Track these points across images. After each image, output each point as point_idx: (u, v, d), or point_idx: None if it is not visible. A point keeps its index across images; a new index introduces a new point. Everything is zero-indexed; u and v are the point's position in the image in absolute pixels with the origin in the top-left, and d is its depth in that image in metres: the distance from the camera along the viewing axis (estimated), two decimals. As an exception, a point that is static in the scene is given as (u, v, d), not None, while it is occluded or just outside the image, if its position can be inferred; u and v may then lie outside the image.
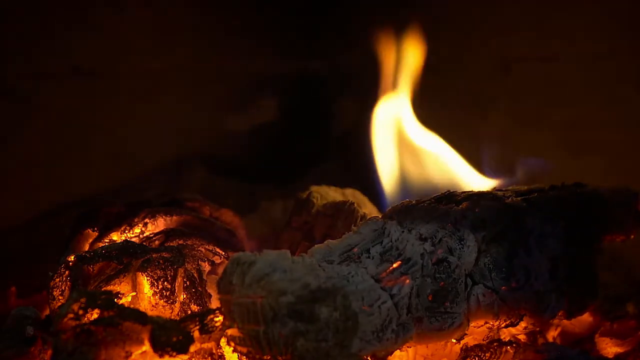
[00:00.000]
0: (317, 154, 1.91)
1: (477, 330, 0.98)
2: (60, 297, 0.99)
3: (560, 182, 1.04)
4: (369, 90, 1.86)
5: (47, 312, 1.04)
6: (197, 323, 0.86)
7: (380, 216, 0.98)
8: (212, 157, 1.82)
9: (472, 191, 1.00)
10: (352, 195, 1.29)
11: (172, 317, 0.97)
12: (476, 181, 1.21)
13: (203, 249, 1.07)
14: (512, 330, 0.99)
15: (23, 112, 1.53)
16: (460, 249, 0.92)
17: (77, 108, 1.59)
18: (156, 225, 1.10)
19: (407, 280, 0.87)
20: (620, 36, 1.47)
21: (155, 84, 1.69)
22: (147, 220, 1.10)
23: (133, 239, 1.07)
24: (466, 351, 0.97)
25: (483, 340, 0.98)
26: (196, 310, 0.99)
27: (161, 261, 0.99)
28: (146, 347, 0.83)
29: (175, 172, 1.75)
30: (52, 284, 1.00)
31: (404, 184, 1.23)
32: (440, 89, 1.34)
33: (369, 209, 1.25)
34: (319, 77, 1.90)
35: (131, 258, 0.99)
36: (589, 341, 1.10)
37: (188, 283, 1.01)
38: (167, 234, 1.09)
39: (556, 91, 1.58)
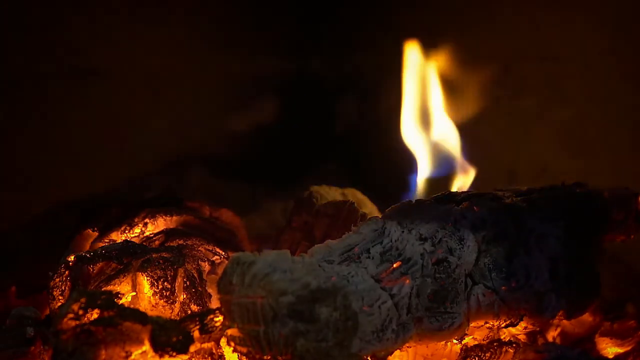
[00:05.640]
0: (317, 154, 1.91)
1: (477, 330, 0.98)
2: (60, 297, 0.99)
3: (560, 182, 1.04)
4: (369, 90, 1.87)
5: (47, 312, 1.04)
6: (197, 323, 0.86)
7: (380, 216, 0.98)
8: (212, 157, 1.82)
9: (472, 191, 1.01)
10: (352, 195, 1.29)
11: (172, 317, 0.97)
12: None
13: (203, 249, 1.07)
14: (512, 330, 0.99)
15: (23, 112, 1.52)
16: (460, 249, 0.92)
17: (77, 108, 1.59)
18: (156, 225, 1.10)
19: (407, 281, 0.87)
20: (620, 36, 1.47)
21: (155, 84, 1.69)
22: (147, 220, 1.10)
23: (133, 239, 1.07)
24: (466, 351, 0.97)
25: (483, 340, 0.98)
26: (196, 310, 0.99)
27: (161, 261, 0.99)
28: (146, 347, 0.83)
29: (175, 172, 1.75)
30: (52, 284, 1.00)
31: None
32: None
33: (369, 209, 1.25)
34: (319, 77, 1.90)
35: (131, 258, 0.99)
36: (589, 341, 1.09)
37: (188, 283, 1.01)
38: (167, 234, 1.09)
39: (556, 91, 1.58)
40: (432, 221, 0.94)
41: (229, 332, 0.83)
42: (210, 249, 1.08)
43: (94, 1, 1.59)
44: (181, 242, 1.07)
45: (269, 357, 0.81)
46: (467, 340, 0.98)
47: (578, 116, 1.55)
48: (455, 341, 0.97)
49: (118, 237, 1.08)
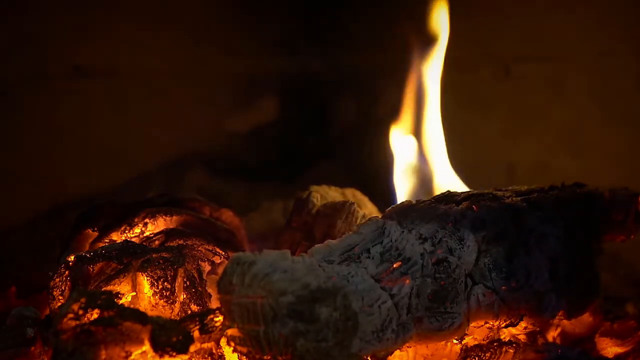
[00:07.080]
0: (317, 154, 1.91)
1: (477, 330, 0.98)
2: (60, 297, 0.99)
3: (560, 182, 1.04)
4: (368, 89, 1.87)
5: (47, 312, 1.04)
6: (197, 323, 0.86)
7: (380, 216, 0.98)
8: (212, 157, 1.82)
9: (471, 191, 1.00)
10: (352, 195, 1.28)
11: (172, 317, 0.97)
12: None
13: (203, 249, 1.07)
14: (512, 330, 0.99)
15: (23, 112, 1.53)
16: (460, 249, 0.92)
17: (77, 108, 1.59)
18: (156, 225, 1.10)
19: (407, 281, 0.87)
20: (620, 36, 1.47)
21: (155, 84, 1.69)
22: (147, 220, 1.10)
23: (133, 239, 1.07)
24: (466, 351, 0.97)
25: (483, 340, 0.98)
26: (196, 310, 0.99)
27: (161, 261, 0.99)
28: (146, 347, 0.83)
29: (175, 172, 1.75)
30: (52, 284, 1.00)
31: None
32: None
33: (369, 209, 1.25)
34: (319, 77, 1.90)
35: (131, 258, 0.99)
36: (589, 341, 1.09)
37: (188, 283, 1.01)
38: (167, 234, 1.09)
39: (556, 91, 1.58)
40: (432, 221, 0.94)
41: (229, 332, 0.83)
42: (210, 249, 1.07)
43: (94, 1, 1.59)
44: (181, 242, 1.07)
45: (269, 357, 0.81)
46: (467, 340, 0.98)
47: (578, 116, 1.55)
48: (455, 341, 0.97)
49: (118, 237, 1.08)
